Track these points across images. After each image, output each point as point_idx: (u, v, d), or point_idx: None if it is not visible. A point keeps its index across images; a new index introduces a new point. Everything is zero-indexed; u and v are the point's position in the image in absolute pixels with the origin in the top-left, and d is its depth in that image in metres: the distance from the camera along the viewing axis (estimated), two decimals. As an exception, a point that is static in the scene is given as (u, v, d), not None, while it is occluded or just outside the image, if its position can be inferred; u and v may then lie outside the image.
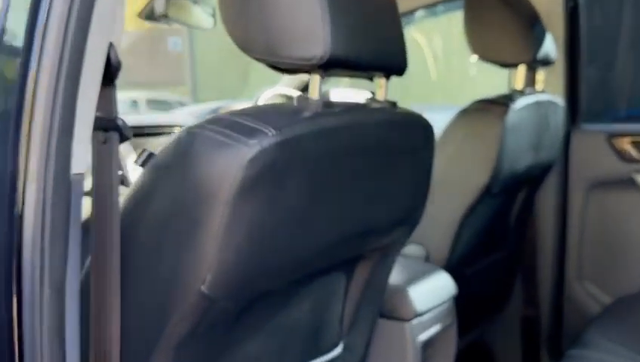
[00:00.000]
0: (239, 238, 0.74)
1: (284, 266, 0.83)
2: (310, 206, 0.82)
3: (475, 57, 1.69)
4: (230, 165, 0.72)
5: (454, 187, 1.57)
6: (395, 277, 1.36)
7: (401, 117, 0.99)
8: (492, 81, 2.22)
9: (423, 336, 1.36)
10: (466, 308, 1.55)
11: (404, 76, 0.97)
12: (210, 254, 0.73)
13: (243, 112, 0.78)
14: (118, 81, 0.76)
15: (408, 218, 1.07)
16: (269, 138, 0.73)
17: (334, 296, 1.10)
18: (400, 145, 0.98)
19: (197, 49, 11.33)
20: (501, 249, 1.87)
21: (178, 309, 0.75)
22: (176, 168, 0.75)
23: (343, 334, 1.16)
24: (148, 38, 10.17)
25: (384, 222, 1.01)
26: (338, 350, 1.14)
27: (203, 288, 0.74)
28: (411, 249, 1.61)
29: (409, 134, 1.01)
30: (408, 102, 1.18)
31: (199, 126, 0.76)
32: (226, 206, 0.72)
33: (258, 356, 0.96)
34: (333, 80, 1.24)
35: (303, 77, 1.37)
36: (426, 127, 1.03)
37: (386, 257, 1.13)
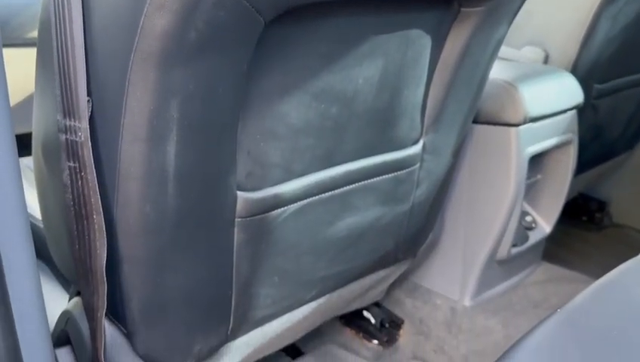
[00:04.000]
0: None
1: None
2: None
3: None
4: None
5: None
6: (503, 72, 1.05)
7: None
8: None
9: (534, 148, 1.07)
10: (584, 137, 1.26)
11: None
12: None
13: None
14: None
15: None
16: None
17: (413, 71, 0.80)
18: None
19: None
20: None
21: None
22: None
23: (425, 130, 0.86)
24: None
25: None
26: (416, 148, 0.86)
27: None
28: (526, 51, 1.27)
29: None
30: None
31: None
32: None
33: (299, 125, 0.69)
34: None
35: None
36: None
37: (490, 24, 0.80)
